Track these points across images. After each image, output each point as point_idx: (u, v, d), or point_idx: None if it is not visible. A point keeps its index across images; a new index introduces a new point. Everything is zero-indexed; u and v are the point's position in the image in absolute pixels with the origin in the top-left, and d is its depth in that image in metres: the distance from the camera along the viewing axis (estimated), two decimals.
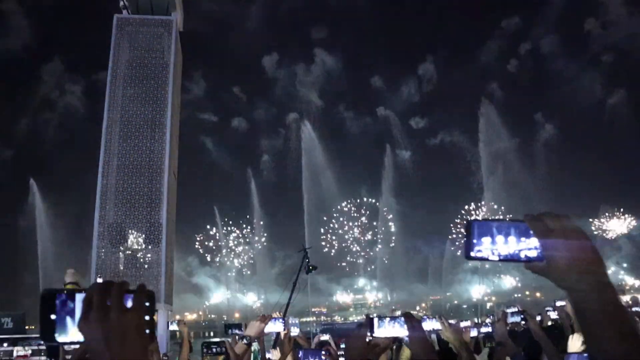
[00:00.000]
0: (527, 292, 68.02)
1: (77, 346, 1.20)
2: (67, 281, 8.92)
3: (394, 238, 72.38)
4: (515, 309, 7.11)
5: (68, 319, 1.10)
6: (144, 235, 10.87)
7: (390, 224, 71.57)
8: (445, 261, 73.33)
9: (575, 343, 4.74)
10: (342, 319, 64.05)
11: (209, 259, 69.95)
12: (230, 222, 69.20)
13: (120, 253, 10.76)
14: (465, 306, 67.73)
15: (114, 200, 10.88)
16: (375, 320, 3.05)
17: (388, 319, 3.06)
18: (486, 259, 1.18)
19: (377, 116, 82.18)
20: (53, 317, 1.09)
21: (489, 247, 1.16)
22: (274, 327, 4.31)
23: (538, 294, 65.64)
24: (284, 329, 4.46)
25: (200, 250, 71.05)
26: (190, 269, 68.48)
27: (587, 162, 71.22)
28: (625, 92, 73.02)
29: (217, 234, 68.06)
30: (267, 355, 5.42)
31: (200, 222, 69.71)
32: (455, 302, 70.81)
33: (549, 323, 6.93)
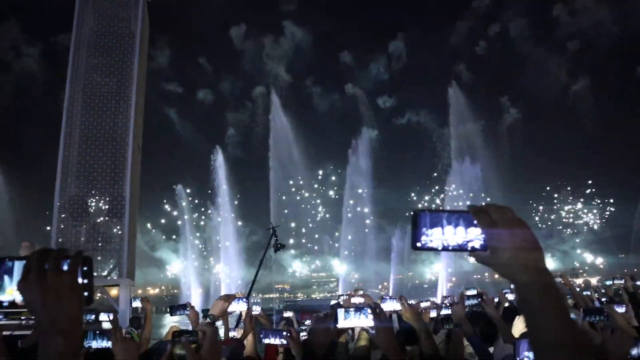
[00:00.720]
0: (487, 274, 69.98)
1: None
2: (21, 255, 8.72)
3: (359, 217, 73.10)
4: (474, 292, 7.31)
5: (6, 279, 1.20)
6: (106, 209, 10.65)
7: (353, 202, 72.10)
8: (408, 241, 74.71)
9: (518, 326, 4.93)
10: (305, 296, 64.67)
11: (172, 233, 69.36)
12: (195, 196, 68.57)
13: (82, 226, 10.53)
14: (425, 286, 69.24)
15: (75, 172, 10.61)
16: (341, 312, 3.12)
17: (353, 310, 3.13)
18: (432, 249, 1.21)
19: (345, 93, 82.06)
20: None
21: (434, 238, 1.18)
22: (238, 306, 4.34)
23: (497, 276, 67.37)
24: (247, 308, 4.49)
25: (163, 222, 70.35)
26: (153, 243, 67.82)
27: (549, 147, 73.18)
28: (589, 79, 74.94)
29: (181, 208, 67.34)
30: (231, 334, 5.45)
31: (164, 196, 68.91)
32: (417, 281, 72.32)
33: (506, 304, 7.15)
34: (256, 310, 5.01)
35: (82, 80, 11.08)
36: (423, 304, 8.67)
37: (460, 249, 1.19)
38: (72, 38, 11.27)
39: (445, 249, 1.21)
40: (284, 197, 70.19)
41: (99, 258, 10.96)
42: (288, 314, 10.49)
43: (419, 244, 1.20)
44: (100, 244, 10.78)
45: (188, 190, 67.51)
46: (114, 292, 11.03)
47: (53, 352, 1.10)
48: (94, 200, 10.61)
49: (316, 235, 74.26)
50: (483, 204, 1.21)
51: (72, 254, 1.18)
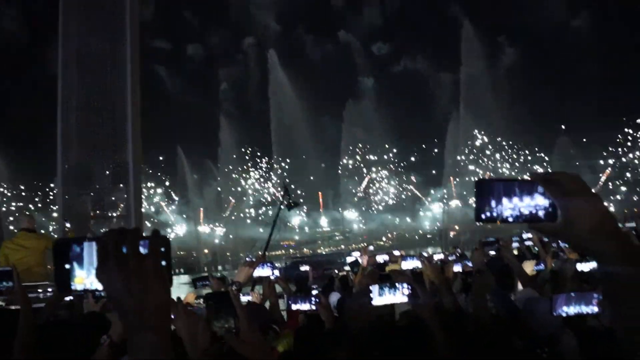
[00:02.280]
0: (489, 226, 70.48)
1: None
2: (21, 227, 8.56)
3: (359, 168, 73.22)
4: (492, 239, 7.27)
5: (76, 266, 1.11)
6: (110, 176, 10.53)
7: (350, 157, 71.97)
8: (411, 191, 75.07)
9: (528, 268, 4.88)
10: (311, 251, 65.48)
11: (175, 195, 69.61)
12: (195, 155, 68.47)
13: (87, 195, 10.43)
14: (429, 236, 69.91)
15: (76, 140, 10.41)
16: (375, 289, 3.05)
17: (388, 286, 3.07)
18: (497, 220, 1.16)
19: (339, 41, 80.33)
20: (67, 266, 1.11)
21: (500, 209, 1.15)
22: (262, 271, 4.28)
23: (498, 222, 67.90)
24: (272, 274, 4.42)
25: (167, 183, 70.51)
26: (157, 207, 68.17)
27: (549, 89, 72.29)
28: (589, 14, 73.29)
29: (182, 170, 67.39)
30: (246, 298, 5.40)
31: (163, 156, 68.69)
32: (420, 231, 72.96)
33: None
34: (275, 274, 4.95)
35: (76, 41, 10.70)
36: (436, 256, 8.68)
37: (528, 219, 1.15)
38: (60, 1, 10.84)
39: (512, 220, 1.15)
40: (287, 160, 70.10)
41: (106, 222, 10.92)
42: (305, 267, 10.49)
43: (483, 216, 1.15)
44: (106, 212, 10.71)
45: (188, 146, 67.35)
46: None
47: (147, 350, 1.02)
48: (97, 168, 10.46)
49: (321, 191, 74.47)
50: (548, 171, 1.19)
51: (149, 234, 1.08)
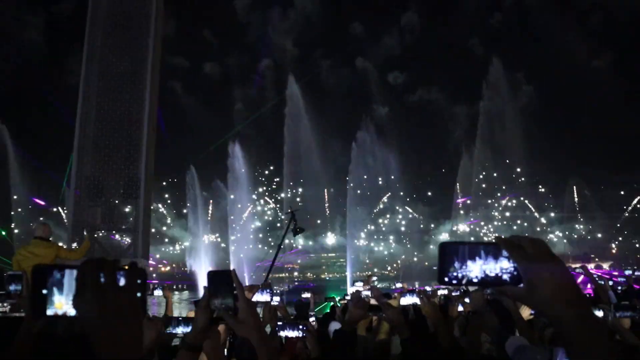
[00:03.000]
0: None
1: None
2: (35, 234, 8.77)
3: (367, 198, 72.97)
4: None
5: (56, 292, 1.13)
6: (121, 190, 10.68)
7: (356, 186, 71.79)
8: (421, 222, 74.65)
9: (525, 311, 4.84)
10: (314, 276, 65.05)
11: (183, 211, 69.78)
12: (205, 172, 68.73)
13: (97, 207, 10.58)
14: (435, 268, 69.07)
15: (91, 153, 10.61)
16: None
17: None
18: (460, 283, 1.16)
19: (356, 67, 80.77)
20: (44, 291, 1.12)
21: (462, 271, 1.15)
22: (261, 297, 4.33)
23: (462, 284, 66.98)
24: (270, 299, 4.47)
25: (175, 200, 70.72)
26: (165, 221, 68.37)
27: (566, 131, 71.75)
28: (612, 55, 72.90)
29: (192, 187, 67.63)
30: None
31: (174, 172, 69.05)
32: (426, 263, 72.22)
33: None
34: (275, 301, 4.99)
35: (98, 60, 11.01)
36: (440, 292, 8.66)
37: (491, 283, 1.15)
38: (88, 17, 11.18)
39: (474, 283, 1.16)
40: (298, 179, 70.22)
41: (115, 236, 11.04)
42: (307, 295, 10.51)
43: (446, 278, 1.16)
44: (115, 224, 10.83)
45: (200, 168, 67.74)
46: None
47: None
48: (109, 181, 10.63)
49: (329, 215, 74.27)
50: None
51: (127, 266, 1.12)
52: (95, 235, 10.75)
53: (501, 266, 1.14)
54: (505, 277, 1.14)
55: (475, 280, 1.15)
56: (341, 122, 74.05)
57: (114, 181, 10.76)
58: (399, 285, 9.28)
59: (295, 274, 66.80)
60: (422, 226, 74.37)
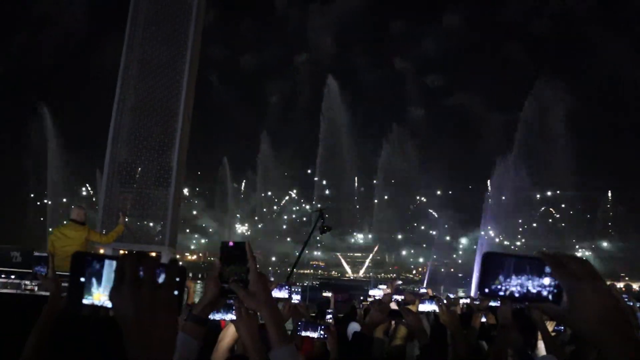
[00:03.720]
0: None
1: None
2: (70, 217, 9.04)
3: (397, 201, 72.43)
4: None
5: (94, 282, 1.12)
6: (153, 177, 10.86)
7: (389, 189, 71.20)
8: (447, 229, 73.78)
9: (548, 326, 4.72)
10: (339, 274, 65.03)
11: (214, 202, 70.70)
12: (237, 163, 69.45)
13: (129, 193, 10.79)
14: (460, 275, 68.30)
15: (126, 139, 10.82)
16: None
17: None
18: (502, 295, 1.13)
19: (394, 67, 79.76)
20: (82, 279, 1.12)
21: (505, 284, 1.12)
22: (279, 293, 4.33)
23: (502, 298, 65.54)
24: (289, 297, 4.46)
25: (207, 190, 71.68)
26: (195, 211, 69.37)
27: (605, 143, 69.62)
28: None
29: (225, 179, 68.42)
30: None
31: (208, 164, 69.96)
32: (452, 270, 71.37)
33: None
34: (295, 299, 4.98)
35: (138, 49, 11.21)
36: (462, 301, 8.53)
37: (532, 299, 1.11)
38: (131, 4, 11.38)
39: (518, 296, 1.12)
40: (331, 177, 70.20)
41: (144, 222, 11.23)
42: (327, 294, 10.49)
43: (487, 290, 1.12)
44: (145, 211, 11.02)
45: (233, 160, 68.41)
46: (154, 255, 11.29)
47: None
48: (141, 168, 10.82)
49: (356, 215, 74.14)
50: (555, 251, 1.11)
51: (167, 263, 1.09)
52: (127, 223, 10.96)
53: (543, 282, 1.11)
54: (546, 294, 1.10)
55: (517, 295, 1.12)
56: (375, 122, 73.50)
57: (147, 169, 10.93)
58: (423, 290, 9.17)
59: (320, 271, 66.93)
60: (450, 232, 73.46)
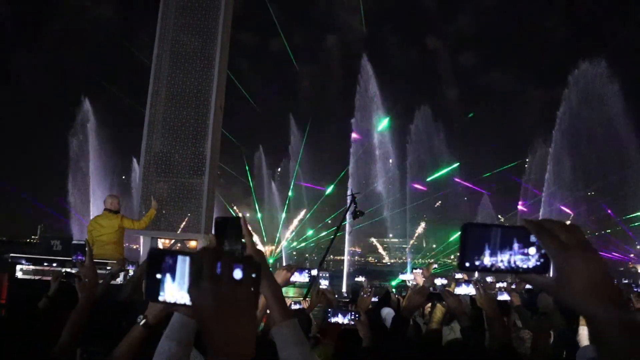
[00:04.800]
0: None
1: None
2: (105, 207, 9.31)
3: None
4: None
5: (168, 278, 1.12)
6: (188, 166, 11.02)
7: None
8: (486, 212, 72.64)
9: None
10: (376, 260, 64.97)
11: (251, 190, 71.30)
12: (269, 151, 69.74)
13: (165, 182, 10.99)
14: None
15: (160, 129, 11.00)
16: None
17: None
18: (482, 269, 1.07)
19: (425, 46, 77.90)
20: (159, 276, 1.12)
21: (487, 256, 1.05)
22: (300, 277, 4.33)
23: (488, 270, 64.03)
24: (309, 281, 4.46)
25: (242, 181, 72.36)
26: (231, 199, 70.17)
27: None
28: None
29: (260, 166, 68.95)
30: (296, 306, 5.45)
31: (238, 150, 70.31)
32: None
33: None
34: (323, 284, 4.98)
35: (170, 39, 11.33)
36: (499, 285, 8.36)
37: (516, 270, 1.06)
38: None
39: (498, 269, 1.06)
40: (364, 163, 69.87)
41: (180, 211, 11.40)
42: (360, 278, 10.46)
43: (467, 264, 1.07)
44: (181, 200, 11.19)
45: (265, 149, 68.79)
46: (192, 243, 11.52)
47: None
48: (176, 157, 10.98)
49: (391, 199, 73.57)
50: (541, 219, 1.05)
51: (244, 259, 1.07)
52: (164, 212, 11.17)
53: (529, 252, 1.05)
54: (532, 264, 1.04)
55: (503, 268, 1.06)
56: (407, 102, 72.00)
57: (181, 158, 11.08)
58: (458, 276, 9.05)
59: (356, 257, 67.00)
60: (487, 214, 72.17)
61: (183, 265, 1.11)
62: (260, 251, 1.81)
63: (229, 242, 1.74)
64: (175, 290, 1.12)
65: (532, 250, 1.05)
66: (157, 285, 1.12)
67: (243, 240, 1.74)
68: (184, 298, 1.10)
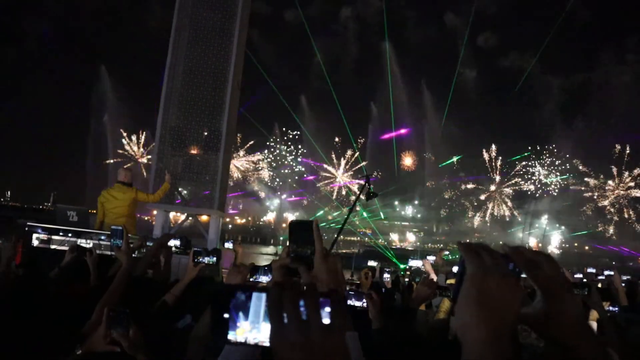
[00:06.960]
0: (576, 244, 66.23)
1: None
2: (118, 179, 9.40)
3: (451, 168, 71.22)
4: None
5: (241, 315, 1.01)
6: (203, 142, 11.05)
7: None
8: (504, 199, 72.08)
9: (593, 314, 4.53)
10: (385, 242, 64.94)
11: (266, 168, 71.47)
12: (288, 134, 69.67)
13: (180, 157, 11.04)
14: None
15: (177, 104, 11.00)
16: None
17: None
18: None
19: (444, 23, 76.35)
20: (226, 315, 1.01)
21: None
22: None
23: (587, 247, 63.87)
24: None
25: (257, 153, 72.47)
26: (247, 175, 70.42)
27: None
28: None
29: (276, 142, 69.03)
30: None
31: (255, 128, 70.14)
32: (500, 242, 69.74)
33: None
34: None
35: (189, 14, 11.26)
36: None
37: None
38: None
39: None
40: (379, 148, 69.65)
41: (194, 186, 11.47)
42: (372, 262, 10.47)
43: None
44: (195, 175, 11.25)
45: (284, 128, 68.72)
46: (204, 217, 11.60)
47: None
48: (192, 132, 11.00)
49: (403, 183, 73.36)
50: (517, 246, 1.06)
51: (331, 296, 0.91)
52: (180, 189, 11.26)
53: None
54: None
55: None
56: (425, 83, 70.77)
57: (197, 133, 11.10)
58: None
59: (367, 239, 67.10)
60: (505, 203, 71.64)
61: (258, 303, 1.00)
62: (330, 256, 1.72)
63: (298, 246, 1.70)
64: (246, 329, 1.01)
65: None
66: (225, 325, 1.01)
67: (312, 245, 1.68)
68: (257, 338, 0.99)
